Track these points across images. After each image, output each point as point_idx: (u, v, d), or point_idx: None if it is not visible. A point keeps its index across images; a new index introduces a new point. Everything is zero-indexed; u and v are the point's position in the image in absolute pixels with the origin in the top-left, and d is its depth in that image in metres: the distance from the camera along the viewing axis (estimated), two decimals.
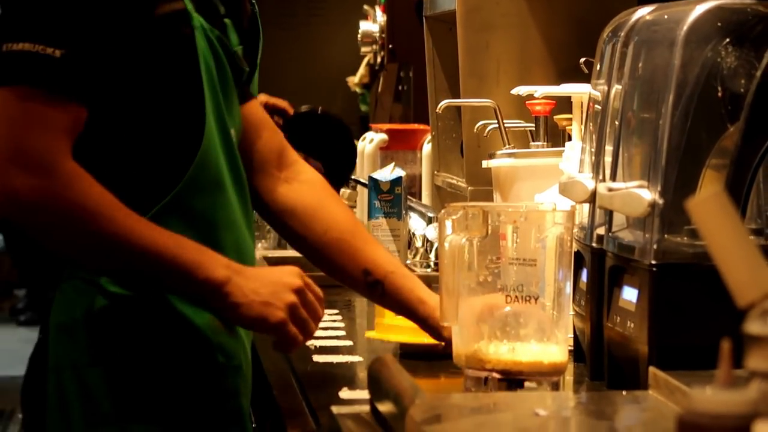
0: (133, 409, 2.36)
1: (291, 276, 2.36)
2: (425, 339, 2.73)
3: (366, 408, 2.27)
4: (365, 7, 6.10)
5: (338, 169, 4.05)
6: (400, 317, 2.78)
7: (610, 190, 2.51)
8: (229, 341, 2.43)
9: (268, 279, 2.35)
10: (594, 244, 2.59)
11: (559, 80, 3.29)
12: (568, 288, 2.50)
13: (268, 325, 2.32)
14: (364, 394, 2.37)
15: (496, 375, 2.45)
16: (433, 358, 2.72)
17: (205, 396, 2.41)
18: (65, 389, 2.35)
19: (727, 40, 2.40)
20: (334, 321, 3.30)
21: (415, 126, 4.85)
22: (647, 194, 2.39)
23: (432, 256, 4.10)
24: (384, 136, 4.73)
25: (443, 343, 2.64)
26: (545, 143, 3.23)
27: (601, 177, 2.59)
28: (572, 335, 2.65)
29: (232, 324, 2.39)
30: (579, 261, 2.63)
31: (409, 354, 2.83)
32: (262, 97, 3.48)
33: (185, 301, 2.35)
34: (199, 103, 2.36)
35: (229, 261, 2.33)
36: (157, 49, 2.35)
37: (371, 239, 2.76)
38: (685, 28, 2.41)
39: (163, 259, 2.28)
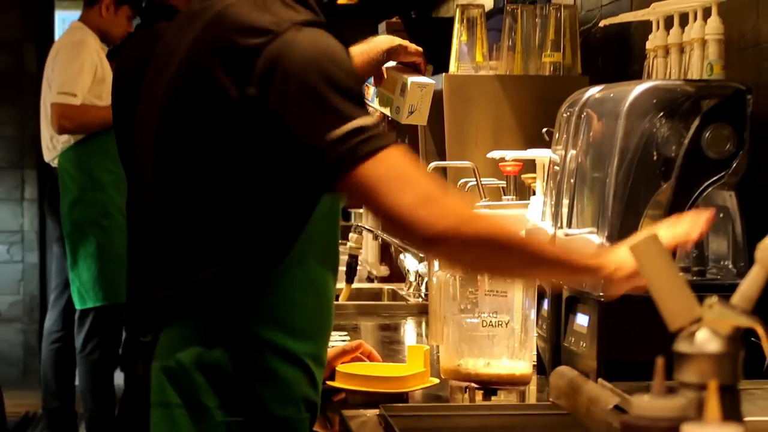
0: None
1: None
2: (382, 388, 2.44)
3: (373, 411, 2.25)
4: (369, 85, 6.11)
5: None
6: (360, 366, 2.54)
7: (567, 235, 2.51)
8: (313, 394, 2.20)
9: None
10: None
11: (526, 146, 3.29)
12: (533, 315, 2.50)
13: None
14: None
15: (475, 385, 2.45)
16: (382, 400, 2.37)
17: None
18: (165, 422, 2.12)
19: (661, 113, 2.41)
20: (344, 341, 3.28)
21: None
22: (596, 239, 2.40)
23: (423, 288, 4.10)
24: None
25: None
26: (514, 197, 3.23)
27: (559, 225, 2.59)
28: (536, 353, 2.64)
29: None
30: (541, 293, 2.63)
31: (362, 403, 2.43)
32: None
33: (281, 357, 2.13)
34: None
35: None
36: None
37: None
38: (627, 104, 2.42)
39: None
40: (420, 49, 2.99)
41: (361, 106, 2.04)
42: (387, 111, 3.14)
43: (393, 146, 2.03)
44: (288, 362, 2.13)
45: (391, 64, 3.08)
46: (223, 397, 2.09)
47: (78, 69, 5.83)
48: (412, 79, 3.01)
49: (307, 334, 2.17)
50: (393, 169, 2.02)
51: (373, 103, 3.15)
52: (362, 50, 3.01)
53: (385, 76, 3.07)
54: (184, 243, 2.13)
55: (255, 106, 2.02)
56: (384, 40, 2.90)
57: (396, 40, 2.90)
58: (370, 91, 3.14)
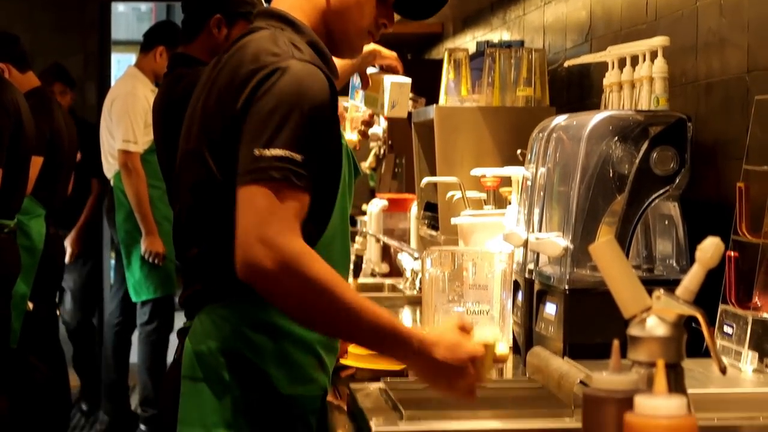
0: (237, 417, 2.06)
1: (463, 372, 1.93)
2: (386, 366, 2.43)
3: (376, 385, 2.24)
4: (374, 116, 6.10)
5: None
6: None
7: (537, 238, 2.51)
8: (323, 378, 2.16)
9: (447, 367, 1.93)
10: (526, 275, 2.58)
11: (503, 164, 3.29)
12: (509, 305, 2.49)
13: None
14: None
15: None
16: (387, 375, 2.36)
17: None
18: (192, 392, 2.08)
19: (616, 138, 2.41)
20: None
21: (406, 195, 4.84)
22: (562, 241, 2.39)
23: (417, 282, 4.09)
24: (385, 203, 4.72)
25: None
26: (493, 207, 3.22)
27: (531, 230, 2.58)
28: (512, 336, 2.64)
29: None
30: (516, 286, 2.62)
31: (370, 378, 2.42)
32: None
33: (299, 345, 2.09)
34: (334, 196, 2.09)
35: (422, 338, 1.96)
36: (333, 155, 2.08)
37: None
38: (587, 130, 2.41)
39: (376, 329, 1.95)
40: (394, 53, 2.95)
41: (305, 145, 1.95)
42: (374, 109, 3.11)
43: (295, 189, 1.93)
44: (301, 349, 2.10)
45: (375, 71, 3.05)
46: (240, 376, 2.06)
47: (132, 119, 5.86)
48: (392, 78, 2.98)
49: None
50: (271, 206, 1.92)
51: (361, 104, 3.12)
52: None
53: (370, 80, 3.03)
54: (212, 244, 2.09)
55: (241, 116, 1.99)
56: None
57: (371, 46, 2.85)
58: (359, 94, 3.11)
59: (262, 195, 1.93)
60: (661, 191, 2.39)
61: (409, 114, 4.45)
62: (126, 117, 5.87)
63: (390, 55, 2.95)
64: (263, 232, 1.90)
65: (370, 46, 2.83)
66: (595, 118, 2.42)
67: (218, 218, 2.08)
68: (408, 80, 3.04)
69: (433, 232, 3.73)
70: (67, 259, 6.48)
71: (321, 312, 1.93)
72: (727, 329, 2.22)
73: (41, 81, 5.50)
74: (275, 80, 1.98)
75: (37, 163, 4.90)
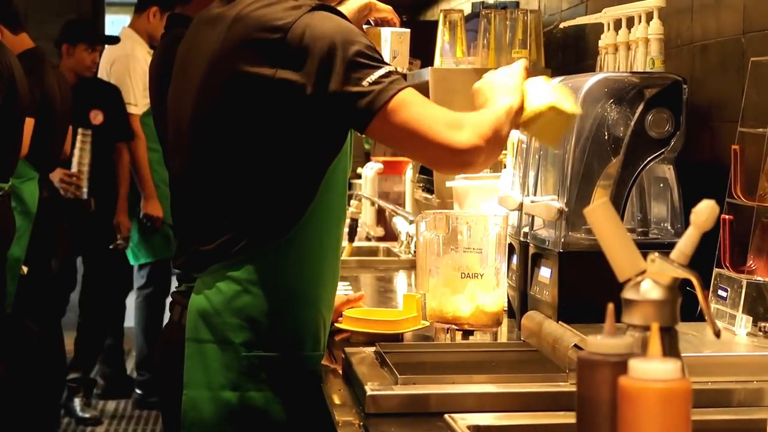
0: (243, 379, 2.09)
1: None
2: (380, 330, 2.44)
3: (371, 349, 2.24)
4: None
5: None
6: (363, 311, 2.55)
7: (532, 201, 2.50)
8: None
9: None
10: (521, 238, 2.58)
11: None
12: (504, 268, 2.49)
13: None
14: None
15: (455, 327, 2.44)
16: (380, 339, 2.37)
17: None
18: (197, 354, 2.10)
19: (611, 100, 2.40)
20: (347, 291, 3.27)
21: (401, 159, 4.83)
22: (557, 204, 2.39)
23: (412, 246, 4.09)
24: (380, 165, 4.72)
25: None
26: (489, 170, 3.22)
27: (526, 193, 2.58)
28: (507, 300, 2.64)
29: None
30: (511, 250, 2.62)
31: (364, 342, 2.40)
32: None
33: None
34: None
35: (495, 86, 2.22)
36: None
37: None
38: (583, 92, 2.40)
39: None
40: (389, 7, 2.94)
41: (381, 58, 2.05)
42: None
43: (409, 87, 2.05)
44: (305, 308, 2.12)
45: (370, 26, 3.03)
46: (247, 336, 2.08)
47: (133, 81, 5.85)
48: (391, 29, 2.97)
49: (321, 283, 2.16)
50: (420, 105, 2.04)
51: None
52: None
53: (367, 35, 3.01)
54: (217, 205, 2.11)
55: (294, 85, 2.00)
56: (356, 1, 2.85)
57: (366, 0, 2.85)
58: None
59: (407, 108, 2.02)
60: (656, 154, 2.38)
61: (404, 76, 4.43)
62: (127, 79, 5.85)
63: (385, 9, 2.93)
64: (451, 124, 2.01)
65: (364, 0, 2.82)
66: (591, 80, 2.41)
67: (220, 180, 2.08)
68: (407, 31, 3.02)
69: (428, 196, 3.72)
70: (121, 243, 5.93)
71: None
72: (722, 293, 2.22)
73: (70, 40, 5.49)
74: (315, 25, 2.01)
75: (28, 125, 4.89)
